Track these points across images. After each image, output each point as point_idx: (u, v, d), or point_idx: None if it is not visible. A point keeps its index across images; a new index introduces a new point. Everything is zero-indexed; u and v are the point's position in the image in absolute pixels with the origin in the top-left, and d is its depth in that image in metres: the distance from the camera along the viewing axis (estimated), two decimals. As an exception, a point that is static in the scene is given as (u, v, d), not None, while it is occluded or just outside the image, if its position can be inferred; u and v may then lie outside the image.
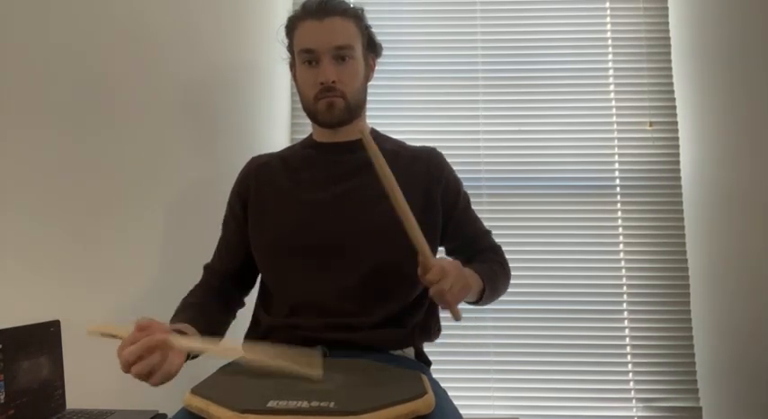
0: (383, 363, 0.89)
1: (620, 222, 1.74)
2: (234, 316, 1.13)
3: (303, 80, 1.08)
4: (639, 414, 1.66)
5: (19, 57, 1.62)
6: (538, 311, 1.71)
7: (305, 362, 0.78)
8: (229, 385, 0.77)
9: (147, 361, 0.76)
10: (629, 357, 1.68)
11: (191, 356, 0.88)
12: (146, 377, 0.77)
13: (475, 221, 1.19)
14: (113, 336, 0.79)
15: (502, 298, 1.15)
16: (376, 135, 1.17)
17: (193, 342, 0.83)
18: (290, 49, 1.13)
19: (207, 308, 1.05)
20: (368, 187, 1.06)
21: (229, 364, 0.98)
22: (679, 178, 1.74)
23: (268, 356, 0.78)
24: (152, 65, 1.65)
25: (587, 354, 1.69)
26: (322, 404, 0.66)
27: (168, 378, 0.79)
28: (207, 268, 1.15)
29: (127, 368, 0.76)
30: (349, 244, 1.03)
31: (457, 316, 0.88)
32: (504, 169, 1.77)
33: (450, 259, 0.93)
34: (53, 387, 1.37)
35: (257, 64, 1.74)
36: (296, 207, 1.07)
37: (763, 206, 1.66)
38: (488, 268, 1.10)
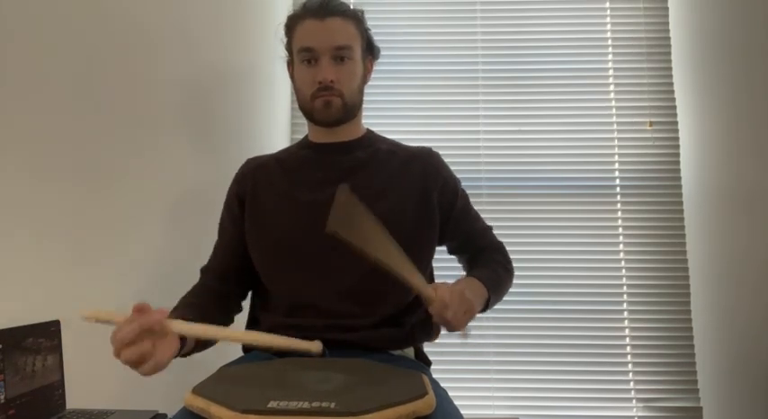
0: (383, 363, 0.89)
1: (620, 222, 1.74)
2: (232, 320, 1.12)
3: (301, 79, 1.08)
4: (639, 414, 1.66)
5: (18, 55, 1.62)
6: (538, 311, 1.71)
7: (305, 343, 0.80)
8: (230, 385, 0.77)
9: (137, 347, 0.74)
10: (629, 357, 1.68)
11: (182, 353, 0.88)
12: (136, 364, 0.75)
13: (475, 219, 1.19)
14: (108, 322, 0.77)
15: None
16: (371, 135, 1.17)
17: (190, 326, 0.82)
18: (289, 47, 1.12)
19: (204, 309, 1.03)
20: (364, 187, 1.06)
21: (230, 364, 0.98)
22: (679, 178, 1.74)
23: (267, 338, 0.78)
24: (152, 65, 1.65)
25: (587, 354, 1.69)
26: (323, 404, 0.66)
27: (158, 367, 0.77)
28: (204, 270, 1.14)
29: (119, 351, 0.74)
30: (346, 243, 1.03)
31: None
32: (504, 169, 1.77)
33: (451, 286, 0.91)
34: (53, 387, 1.37)
35: (257, 64, 1.73)
36: (293, 208, 1.07)
37: (763, 206, 1.66)
38: (491, 272, 1.10)
